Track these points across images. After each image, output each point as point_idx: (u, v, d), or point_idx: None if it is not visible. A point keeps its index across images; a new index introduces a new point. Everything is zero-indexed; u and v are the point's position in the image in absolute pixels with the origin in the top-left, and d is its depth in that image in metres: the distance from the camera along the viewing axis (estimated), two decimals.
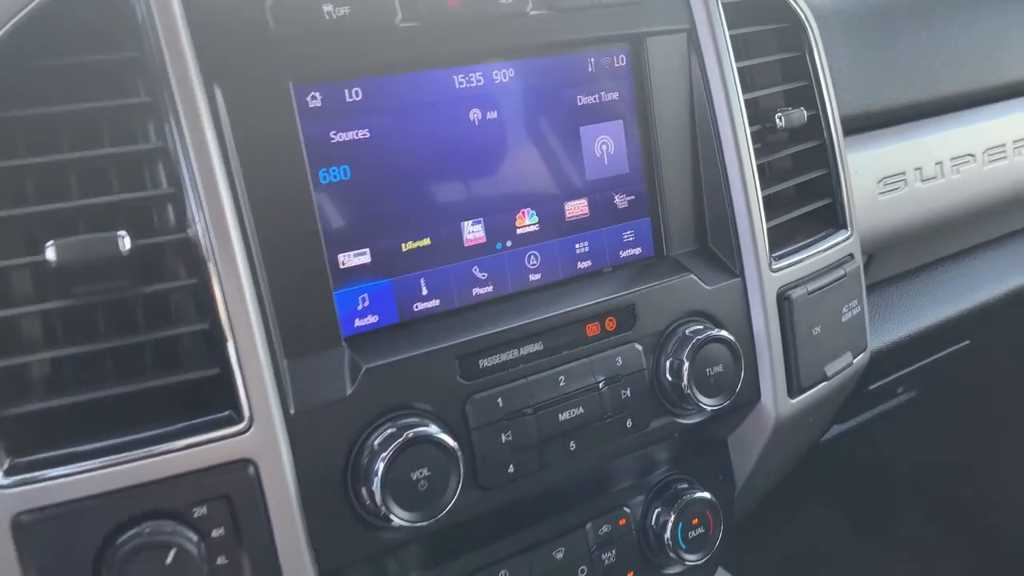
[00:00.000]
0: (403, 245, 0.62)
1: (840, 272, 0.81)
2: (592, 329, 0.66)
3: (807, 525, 1.28)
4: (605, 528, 0.73)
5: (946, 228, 1.04)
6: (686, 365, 0.68)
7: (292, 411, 0.55)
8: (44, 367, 0.51)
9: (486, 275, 0.66)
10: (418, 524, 0.57)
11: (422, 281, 0.63)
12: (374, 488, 0.55)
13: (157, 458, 0.50)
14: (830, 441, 1.14)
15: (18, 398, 0.49)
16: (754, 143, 0.74)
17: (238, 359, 0.53)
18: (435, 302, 0.64)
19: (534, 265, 0.68)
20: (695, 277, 0.71)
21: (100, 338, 0.51)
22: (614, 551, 0.74)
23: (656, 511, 0.76)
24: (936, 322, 1.04)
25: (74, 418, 0.50)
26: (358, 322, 0.61)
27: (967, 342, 1.15)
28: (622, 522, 0.74)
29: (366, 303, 0.61)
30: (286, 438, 0.54)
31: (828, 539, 1.34)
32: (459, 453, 0.58)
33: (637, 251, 0.73)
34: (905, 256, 1.04)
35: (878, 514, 1.34)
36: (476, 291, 0.66)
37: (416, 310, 0.63)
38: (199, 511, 0.51)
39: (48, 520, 0.48)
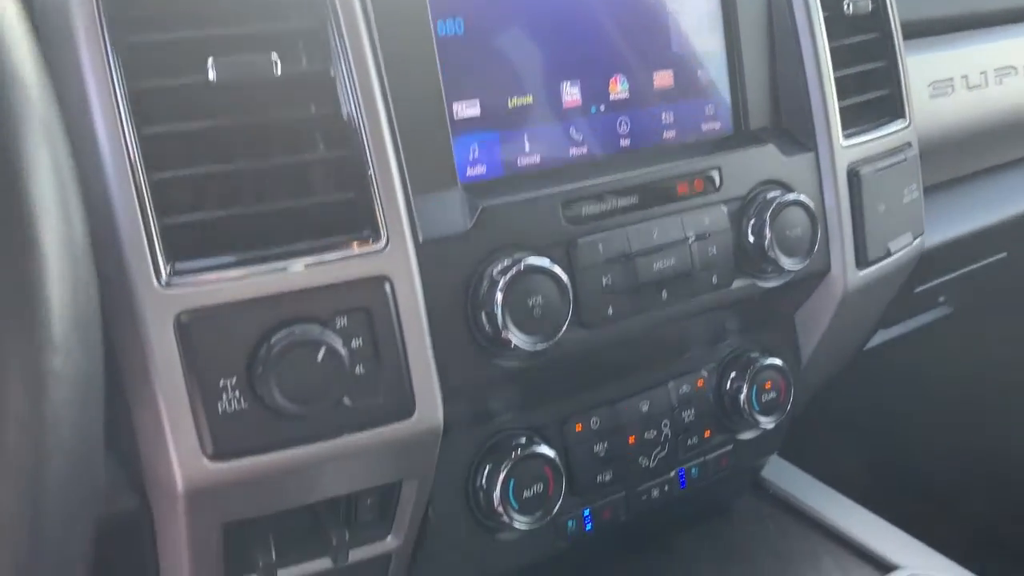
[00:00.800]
0: (509, 101, 0.66)
1: (901, 156, 0.85)
2: (682, 188, 0.71)
3: (855, 430, 1.33)
4: (685, 388, 0.78)
5: (990, 137, 1.09)
6: (767, 226, 0.72)
7: (420, 239, 0.59)
8: (204, 182, 0.54)
9: (581, 136, 0.70)
10: (534, 348, 0.61)
11: (525, 137, 0.67)
12: (496, 310, 0.60)
13: (307, 269, 0.54)
14: (875, 350, 1.18)
15: (179, 210, 0.53)
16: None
17: (377, 185, 0.57)
18: (536, 158, 0.68)
19: (624, 131, 0.72)
20: (774, 147, 0.75)
21: (253, 159, 0.55)
22: (693, 410, 0.78)
23: (731, 375, 0.80)
24: (974, 229, 1.08)
25: (226, 232, 0.54)
26: (469, 171, 0.65)
27: (1004, 254, 1.19)
28: (700, 383, 0.79)
29: (476, 154, 0.65)
30: (416, 262, 0.58)
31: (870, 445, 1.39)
32: (568, 285, 0.62)
33: (716, 125, 0.77)
34: (950, 163, 1.08)
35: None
36: (572, 151, 0.70)
37: (519, 165, 0.67)
38: (341, 321, 0.55)
39: (206, 319, 0.52)
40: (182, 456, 0.52)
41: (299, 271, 0.54)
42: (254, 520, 0.58)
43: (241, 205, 0.55)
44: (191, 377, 0.52)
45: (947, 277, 1.13)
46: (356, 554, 0.64)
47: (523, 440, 0.69)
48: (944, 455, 1.38)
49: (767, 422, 0.80)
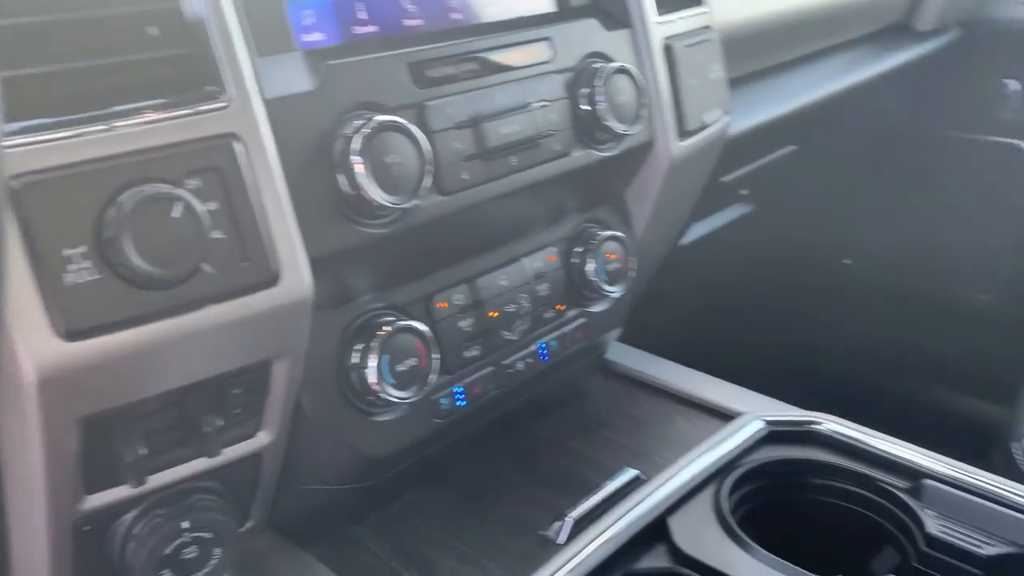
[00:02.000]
0: None
1: (704, 36, 0.91)
2: (518, 57, 0.72)
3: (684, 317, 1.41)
4: (537, 263, 0.80)
5: (780, 33, 1.19)
6: (599, 92, 0.75)
7: (267, 97, 0.56)
8: (27, 36, 0.49)
9: (415, 8, 0.69)
10: (397, 206, 0.60)
11: (361, 4, 0.66)
12: (354, 168, 0.58)
13: (150, 126, 0.51)
14: (689, 245, 1.27)
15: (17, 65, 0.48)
16: None
17: (217, 40, 0.54)
18: (373, 28, 0.67)
19: (455, 4, 0.72)
20: (596, 22, 0.79)
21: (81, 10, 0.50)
22: (547, 284, 0.80)
23: (577, 250, 0.83)
24: (767, 120, 1.18)
25: (57, 91, 0.49)
26: (306, 37, 0.63)
27: (794, 147, 1.31)
28: (550, 258, 0.81)
29: (312, 20, 0.63)
30: (266, 119, 0.55)
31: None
32: (424, 142, 0.62)
33: (541, 3, 0.79)
34: (745, 59, 1.17)
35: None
36: (406, 22, 0.69)
37: (356, 32, 0.66)
38: (193, 182, 0.52)
39: (41, 184, 0.47)
40: (30, 337, 0.47)
41: (140, 129, 0.50)
42: (116, 418, 0.53)
43: (70, 60, 0.50)
44: (31, 248, 0.47)
45: (748, 168, 1.23)
46: (226, 454, 0.61)
47: (391, 318, 0.67)
48: (760, 326, 1.51)
49: (614, 291, 0.84)
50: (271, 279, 0.55)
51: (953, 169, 1.78)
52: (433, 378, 0.68)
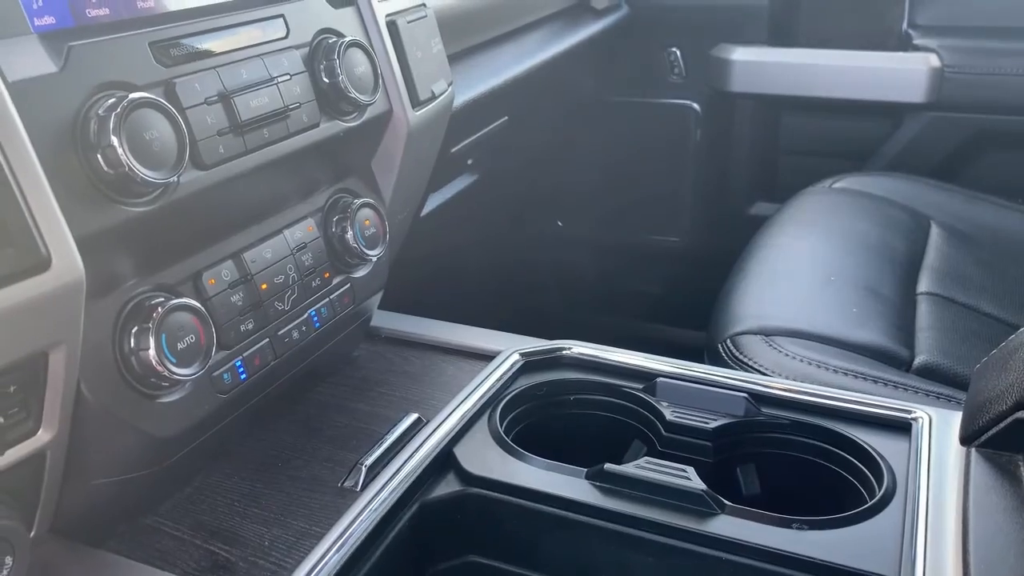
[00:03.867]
0: None
1: (422, 13, 0.98)
2: (256, 35, 0.75)
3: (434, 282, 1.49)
4: (298, 234, 0.83)
5: (483, 14, 1.29)
6: (337, 65, 0.80)
7: (10, 80, 0.55)
8: None
9: None
10: (163, 180, 0.61)
11: None
12: (113, 145, 0.58)
13: None
14: (428, 216, 1.35)
15: None
16: None
17: None
18: (105, 10, 0.66)
19: None
20: (324, 1, 0.83)
21: None
22: (310, 254, 0.84)
23: (335, 219, 0.87)
24: (482, 92, 1.29)
25: None
26: (39, 21, 0.61)
27: (506, 118, 1.44)
28: (310, 229, 0.84)
29: (40, 3, 0.61)
30: (10, 103, 0.54)
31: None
32: (179, 117, 0.63)
33: None
34: (453, 38, 1.27)
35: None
36: (140, 4, 0.69)
37: (89, 16, 0.65)
38: None
39: None
40: None
41: None
42: None
43: None
44: None
45: (471, 139, 1.33)
46: (7, 457, 0.58)
47: (162, 298, 0.68)
48: (499, 280, 1.62)
49: (374, 254, 0.89)
50: (42, 264, 0.54)
51: (637, 130, 2.02)
52: (213, 352, 0.69)
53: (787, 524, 0.70)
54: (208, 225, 0.73)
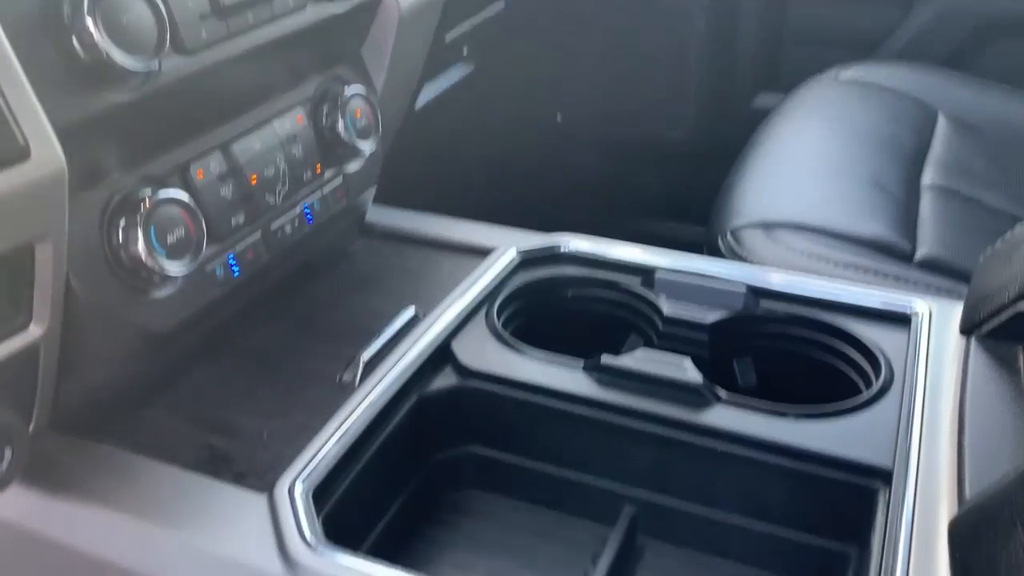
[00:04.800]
0: None
1: None
2: None
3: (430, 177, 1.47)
4: (287, 124, 0.80)
5: None
6: None
7: None
8: None
9: None
10: (143, 68, 0.58)
11: None
12: (87, 26, 0.55)
13: None
14: (424, 109, 1.31)
15: None
16: None
17: None
18: None
19: None
20: None
21: None
22: (300, 145, 0.81)
23: (324, 109, 0.84)
24: None
25: None
26: None
27: (503, 4, 1.38)
28: (299, 119, 0.82)
29: None
30: None
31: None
32: (160, 4, 0.60)
33: None
34: None
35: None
36: None
37: None
38: None
39: None
40: None
41: None
42: None
43: None
44: None
45: (466, 23, 1.28)
46: None
47: (149, 190, 0.66)
48: (497, 176, 1.60)
49: (366, 145, 0.87)
50: (20, 154, 0.52)
51: (639, 21, 1.95)
52: (204, 246, 0.68)
53: (783, 414, 0.70)
54: (194, 114, 0.70)
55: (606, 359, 0.76)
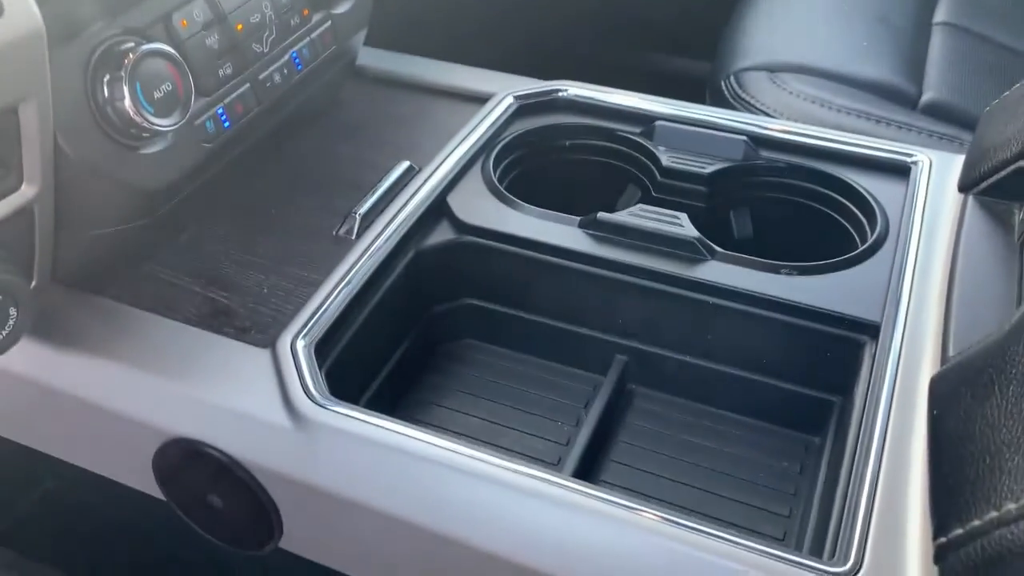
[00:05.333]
0: None
1: None
2: None
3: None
4: None
5: None
6: None
7: None
8: None
9: None
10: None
11: None
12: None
13: None
14: None
15: None
16: None
17: None
18: None
19: None
20: None
21: None
22: None
23: None
24: None
25: None
26: None
27: None
28: None
29: None
30: None
31: None
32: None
33: None
34: None
35: None
36: None
37: None
38: None
39: None
40: None
41: None
42: None
43: None
44: None
45: None
46: None
47: (132, 43, 0.63)
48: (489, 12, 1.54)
49: None
50: None
51: None
52: (192, 100, 0.66)
53: (776, 270, 0.71)
54: None
55: (602, 216, 0.76)
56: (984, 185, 0.67)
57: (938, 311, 0.63)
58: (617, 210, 0.87)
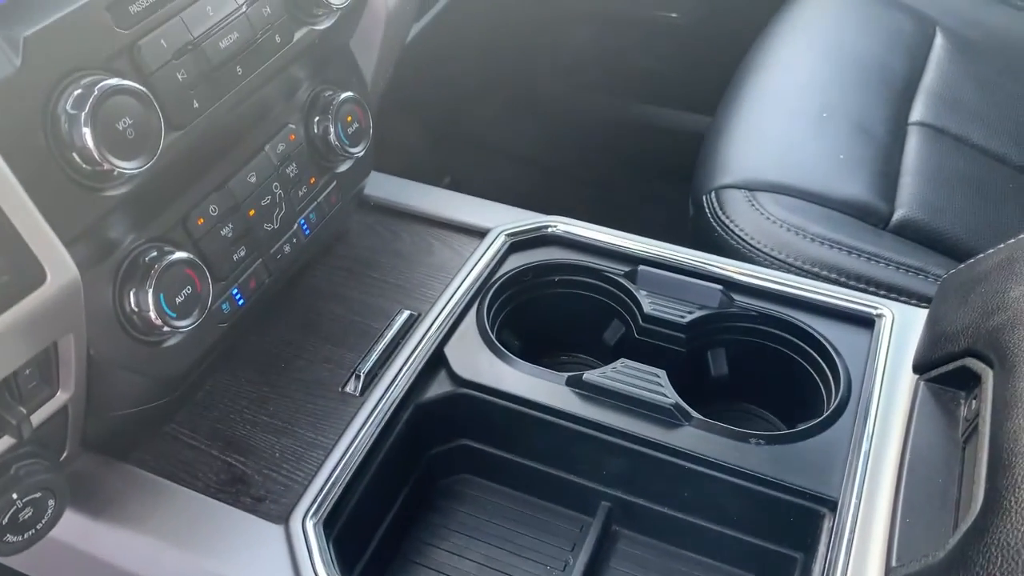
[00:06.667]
0: None
1: None
2: None
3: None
4: (281, 146, 0.82)
5: None
6: None
7: None
8: None
9: None
10: (138, 169, 0.60)
11: None
12: (87, 143, 0.57)
13: None
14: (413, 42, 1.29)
15: None
16: None
17: None
18: None
19: None
20: None
21: None
22: (294, 164, 0.83)
23: (315, 119, 0.85)
24: None
25: None
26: None
27: None
28: (292, 137, 0.83)
29: None
30: None
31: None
32: (150, 95, 0.61)
33: None
34: None
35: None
36: None
37: None
38: None
39: None
40: None
41: None
42: None
43: None
44: None
45: None
46: (34, 420, 0.64)
47: (154, 253, 0.69)
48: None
49: (358, 151, 0.88)
50: (38, 279, 0.56)
51: None
52: (211, 297, 0.72)
53: (745, 439, 0.78)
54: (192, 168, 0.72)
55: (588, 376, 0.82)
56: (934, 373, 0.73)
57: (889, 495, 0.70)
58: (604, 341, 0.94)
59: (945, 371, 0.72)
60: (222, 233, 0.76)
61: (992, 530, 0.54)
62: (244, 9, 0.70)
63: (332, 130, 0.85)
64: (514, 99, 1.97)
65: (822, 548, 0.71)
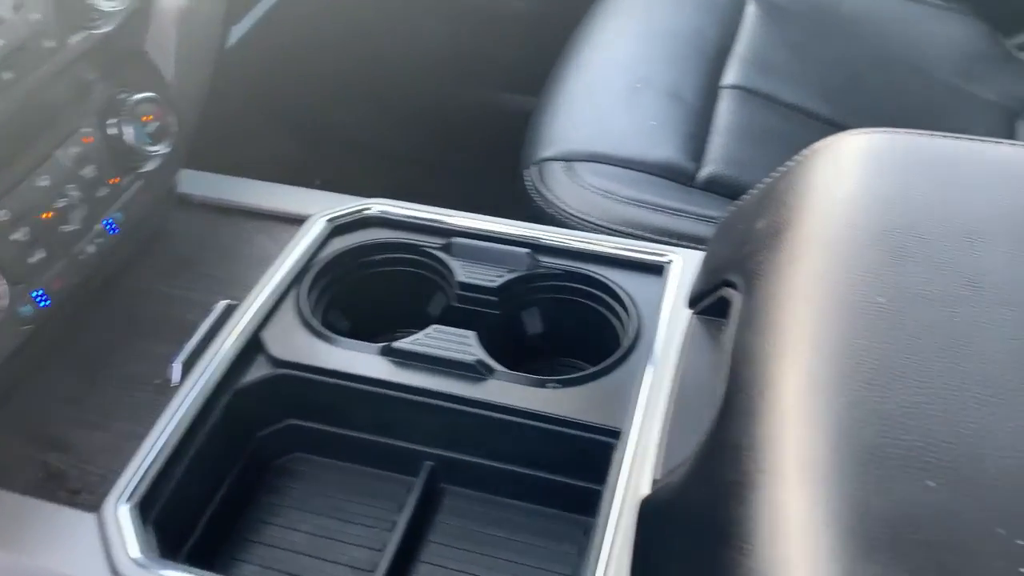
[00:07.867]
0: None
1: None
2: None
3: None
4: (74, 149, 0.83)
5: None
6: None
7: None
8: None
9: None
10: None
11: None
12: None
13: None
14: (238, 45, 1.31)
15: None
16: None
17: None
18: None
19: None
20: None
21: None
22: (92, 165, 0.85)
23: (111, 122, 0.87)
24: None
25: None
26: None
27: None
28: (85, 140, 0.85)
29: None
30: None
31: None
32: None
33: None
34: None
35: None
36: None
37: None
38: None
39: None
40: None
41: None
42: None
43: None
44: None
45: None
46: None
47: None
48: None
49: (160, 149, 0.91)
50: None
51: None
52: (4, 302, 0.74)
53: (543, 384, 0.83)
54: None
55: (397, 344, 0.86)
56: (702, 306, 0.80)
57: (662, 420, 0.76)
58: (428, 313, 0.99)
59: (708, 303, 0.79)
60: (13, 238, 0.77)
61: (718, 431, 0.60)
62: (10, 15, 0.72)
63: (129, 131, 0.87)
64: (376, 96, 2.00)
65: (611, 477, 0.77)
